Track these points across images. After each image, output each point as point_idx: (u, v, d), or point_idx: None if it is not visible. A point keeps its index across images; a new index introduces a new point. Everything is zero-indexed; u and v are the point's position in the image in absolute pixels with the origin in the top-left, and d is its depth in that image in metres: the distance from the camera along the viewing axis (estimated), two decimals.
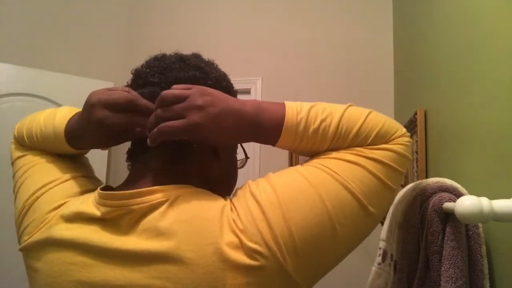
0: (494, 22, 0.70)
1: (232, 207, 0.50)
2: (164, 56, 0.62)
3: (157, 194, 0.50)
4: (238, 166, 0.69)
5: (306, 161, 0.56)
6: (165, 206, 0.49)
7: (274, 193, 0.49)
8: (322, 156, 0.54)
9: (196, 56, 0.64)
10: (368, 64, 2.23)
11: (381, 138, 0.55)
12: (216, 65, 0.65)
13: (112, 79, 2.31)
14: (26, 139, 0.65)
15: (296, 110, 0.54)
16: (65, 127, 0.59)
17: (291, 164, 2.23)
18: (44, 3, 2.32)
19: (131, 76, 0.62)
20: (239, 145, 0.68)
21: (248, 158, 0.70)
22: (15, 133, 0.68)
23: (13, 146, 0.68)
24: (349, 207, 0.49)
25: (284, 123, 0.53)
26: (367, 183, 0.51)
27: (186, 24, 2.55)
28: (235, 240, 0.45)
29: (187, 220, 0.47)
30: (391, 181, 0.54)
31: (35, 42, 2.25)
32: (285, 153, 2.26)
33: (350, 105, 0.57)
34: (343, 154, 0.53)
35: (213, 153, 0.59)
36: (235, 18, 2.49)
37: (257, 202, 0.48)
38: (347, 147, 0.55)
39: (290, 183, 0.50)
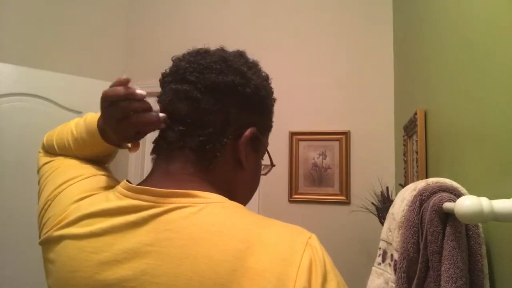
0: (494, 22, 0.70)
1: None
2: (207, 52, 0.59)
3: (190, 198, 0.49)
4: (263, 172, 0.68)
5: None
6: (191, 210, 0.48)
7: None
8: None
9: (241, 55, 0.61)
10: (368, 64, 2.23)
11: None
12: (259, 68, 0.62)
13: (112, 79, 2.29)
14: (55, 146, 0.69)
15: None
16: (98, 122, 0.63)
17: (291, 170, 2.23)
18: (44, 3, 2.31)
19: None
20: (266, 153, 0.67)
21: (274, 165, 0.68)
22: (44, 142, 0.72)
23: (40, 155, 0.72)
24: None
25: None
26: None
27: (186, 25, 2.55)
28: None
29: (192, 238, 0.45)
30: None
31: (35, 42, 2.25)
32: (285, 157, 2.26)
33: None
34: None
35: (238, 162, 0.58)
36: (235, 19, 2.49)
37: None
38: None
39: None
